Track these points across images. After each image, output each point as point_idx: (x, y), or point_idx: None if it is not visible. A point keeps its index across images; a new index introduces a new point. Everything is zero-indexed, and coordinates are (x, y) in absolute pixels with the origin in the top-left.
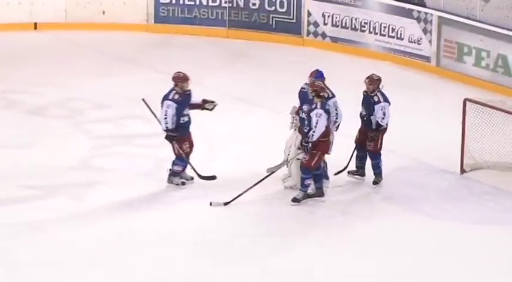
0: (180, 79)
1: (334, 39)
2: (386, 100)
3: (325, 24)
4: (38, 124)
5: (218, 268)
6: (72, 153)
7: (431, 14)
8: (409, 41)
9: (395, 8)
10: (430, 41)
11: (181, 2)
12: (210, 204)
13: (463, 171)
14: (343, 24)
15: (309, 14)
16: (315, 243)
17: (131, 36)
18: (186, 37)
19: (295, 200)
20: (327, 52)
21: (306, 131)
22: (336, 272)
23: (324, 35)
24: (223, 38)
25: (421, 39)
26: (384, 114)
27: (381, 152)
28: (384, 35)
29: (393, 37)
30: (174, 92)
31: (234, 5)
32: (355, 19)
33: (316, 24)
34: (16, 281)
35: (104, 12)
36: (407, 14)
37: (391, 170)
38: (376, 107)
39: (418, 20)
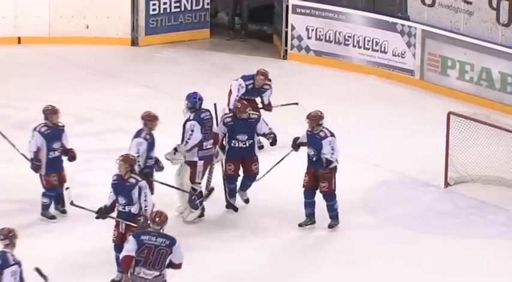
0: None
1: (318, 53)
2: (332, 134)
3: (308, 38)
4: (21, 138)
5: None
6: None
7: (415, 28)
8: (393, 55)
9: (379, 21)
10: (413, 55)
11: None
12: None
13: (447, 184)
14: (327, 38)
15: (293, 28)
16: (301, 258)
17: (115, 50)
18: (170, 51)
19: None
20: (311, 66)
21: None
22: None
23: (307, 49)
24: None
25: (404, 52)
26: (333, 149)
27: (336, 192)
28: (368, 49)
29: (377, 51)
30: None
31: None
32: (339, 33)
33: (299, 38)
34: None
35: (87, 27)
36: (391, 27)
37: (375, 184)
38: (323, 142)
39: (402, 33)
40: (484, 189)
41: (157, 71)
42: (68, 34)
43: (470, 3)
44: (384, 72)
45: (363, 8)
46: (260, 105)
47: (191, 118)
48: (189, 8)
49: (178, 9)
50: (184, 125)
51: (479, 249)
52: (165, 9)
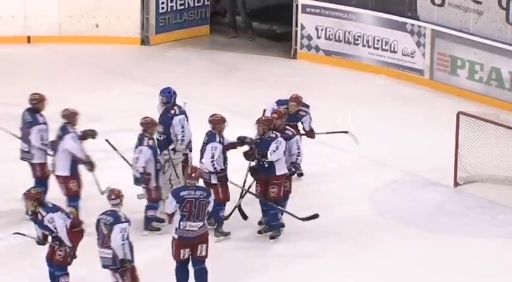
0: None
1: (328, 53)
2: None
3: (318, 37)
4: None
5: None
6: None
7: (425, 27)
8: (403, 54)
9: (388, 21)
10: (423, 54)
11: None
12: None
13: (456, 184)
14: (337, 38)
15: (302, 27)
16: (308, 255)
17: (124, 50)
18: (180, 50)
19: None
20: (320, 65)
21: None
22: None
23: (317, 49)
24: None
25: (414, 52)
26: (277, 148)
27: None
28: (378, 48)
29: (387, 50)
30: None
31: None
32: (349, 32)
33: (309, 38)
34: None
35: (97, 26)
36: (401, 27)
37: (384, 183)
38: (272, 143)
39: (412, 33)
40: (493, 189)
41: (166, 70)
42: (77, 33)
43: (480, 2)
44: (393, 71)
45: (372, 7)
46: (302, 132)
47: (177, 113)
48: (191, 5)
49: (182, 7)
50: (164, 121)
51: (489, 249)
52: (171, 7)
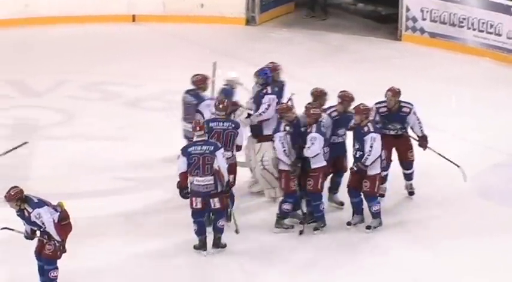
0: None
1: (433, 35)
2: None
3: (423, 19)
4: (134, 116)
5: None
6: (168, 145)
7: None
8: (507, 37)
9: (494, 4)
10: None
11: None
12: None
13: None
14: (442, 20)
15: (408, 9)
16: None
17: (229, 29)
18: (284, 31)
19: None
20: (425, 48)
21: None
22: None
23: (422, 31)
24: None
25: None
26: (312, 144)
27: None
28: (483, 31)
29: (491, 33)
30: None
31: None
32: (454, 15)
33: (414, 20)
34: (113, 268)
35: (202, 5)
36: (506, 10)
37: (489, 167)
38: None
39: None
40: None
41: (271, 51)
42: (182, 12)
43: None
44: (498, 54)
45: None
46: (415, 137)
47: (269, 92)
48: None
49: None
50: (256, 100)
51: None
52: None
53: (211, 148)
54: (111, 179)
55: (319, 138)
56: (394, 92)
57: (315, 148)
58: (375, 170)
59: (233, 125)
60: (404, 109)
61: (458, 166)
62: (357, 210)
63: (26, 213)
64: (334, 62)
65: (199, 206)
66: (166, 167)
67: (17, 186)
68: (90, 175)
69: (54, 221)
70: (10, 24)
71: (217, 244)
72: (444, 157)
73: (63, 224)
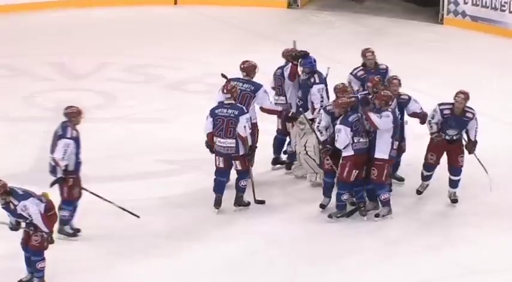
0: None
1: (474, 19)
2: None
3: (465, 3)
4: (176, 99)
5: None
6: None
7: None
8: None
9: None
10: None
11: None
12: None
13: None
14: (483, 4)
15: None
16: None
17: (271, 12)
18: (326, 14)
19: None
20: (467, 31)
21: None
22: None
23: (463, 14)
24: None
25: None
26: (338, 137)
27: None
28: None
29: None
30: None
31: None
32: None
33: (456, 3)
34: (154, 251)
35: None
36: None
37: None
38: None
39: None
40: None
41: (312, 34)
42: None
43: None
44: None
45: None
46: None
47: (316, 81)
48: None
49: None
50: (303, 88)
51: None
52: None
53: (236, 112)
54: (152, 161)
55: (344, 129)
56: (467, 96)
57: (341, 140)
58: (382, 154)
59: (252, 88)
60: (468, 114)
61: (487, 172)
62: (369, 197)
63: (12, 206)
64: (375, 45)
65: (221, 165)
66: (207, 150)
67: (0, 180)
68: (131, 158)
69: (40, 212)
70: (52, 6)
71: (239, 202)
72: (479, 161)
73: (49, 214)
